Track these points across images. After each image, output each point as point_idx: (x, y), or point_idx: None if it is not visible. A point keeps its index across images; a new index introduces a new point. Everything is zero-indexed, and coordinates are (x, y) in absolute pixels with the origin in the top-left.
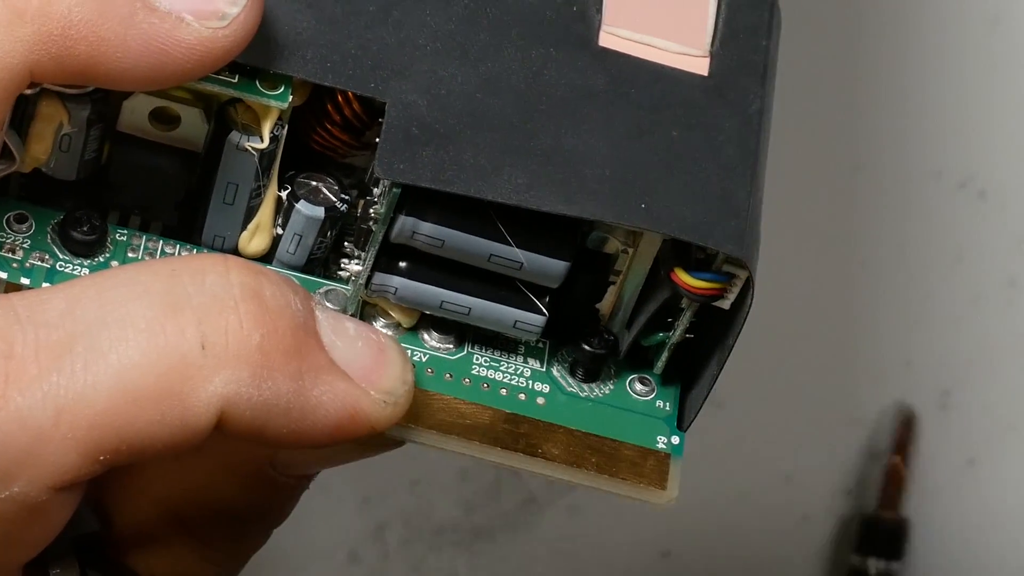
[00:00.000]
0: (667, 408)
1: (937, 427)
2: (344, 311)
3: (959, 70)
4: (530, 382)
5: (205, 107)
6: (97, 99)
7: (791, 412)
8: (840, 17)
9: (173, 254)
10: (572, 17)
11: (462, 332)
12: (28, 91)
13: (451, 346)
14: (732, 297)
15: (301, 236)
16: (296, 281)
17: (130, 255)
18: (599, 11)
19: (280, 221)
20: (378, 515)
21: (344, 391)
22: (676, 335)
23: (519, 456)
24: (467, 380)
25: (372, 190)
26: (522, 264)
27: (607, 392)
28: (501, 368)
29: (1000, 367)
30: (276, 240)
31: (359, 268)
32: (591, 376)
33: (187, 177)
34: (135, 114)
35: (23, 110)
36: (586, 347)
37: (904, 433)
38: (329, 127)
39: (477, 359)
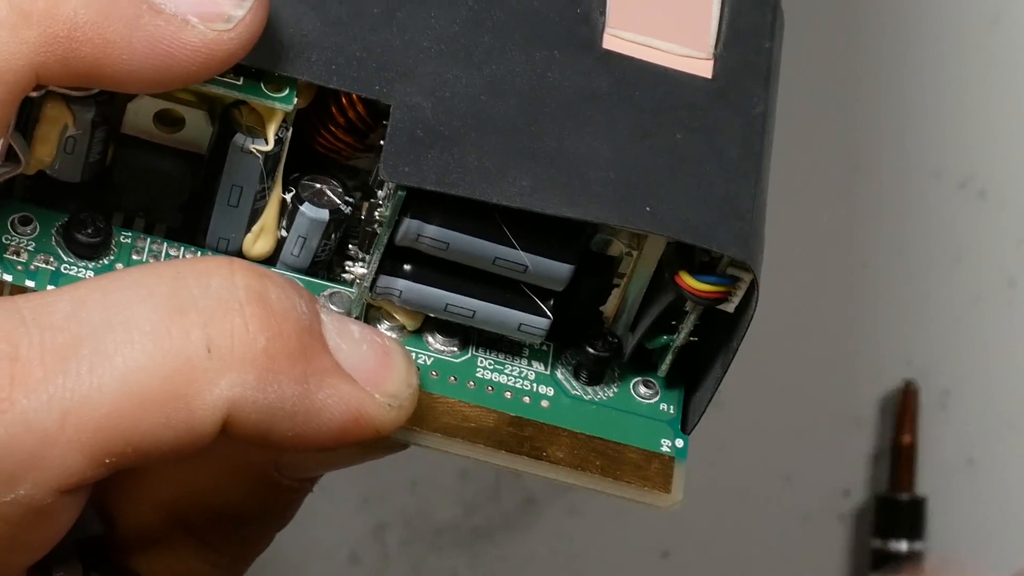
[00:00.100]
0: (671, 411)
1: (937, 427)
2: (349, 314)
3: (959, 70)
4: (534, 385)
5: (209, 109)
6: (102, 101)
7: (791, 412)
8: (840, 17)
9: (177, 256)
10: (576, 19)
11: (466, 335)
12: (33, 93)
13: (455, 349)
14: (736, 300)
15: (305, 238)
16: (300, 284)
17: (134, 257)
18: (603, 13)
19: (284, 223)
20: (378, 515)
21: (349, 394)
22: (680, 338)
23: (523, 459)
24: (471, 383)
25: (376, 192)
26: (527, 267)
27: (611, 395)
28: (505, 371)
29: (1000, 367)
30: (280, 242)
31: (363, 271)
32: (595, 379)
33: (191, 179)
34: (139, 116)
35: (28, 112)
36: (590, 350)
37: (907, 409)
38: (333, 129)
39: (481, 362)
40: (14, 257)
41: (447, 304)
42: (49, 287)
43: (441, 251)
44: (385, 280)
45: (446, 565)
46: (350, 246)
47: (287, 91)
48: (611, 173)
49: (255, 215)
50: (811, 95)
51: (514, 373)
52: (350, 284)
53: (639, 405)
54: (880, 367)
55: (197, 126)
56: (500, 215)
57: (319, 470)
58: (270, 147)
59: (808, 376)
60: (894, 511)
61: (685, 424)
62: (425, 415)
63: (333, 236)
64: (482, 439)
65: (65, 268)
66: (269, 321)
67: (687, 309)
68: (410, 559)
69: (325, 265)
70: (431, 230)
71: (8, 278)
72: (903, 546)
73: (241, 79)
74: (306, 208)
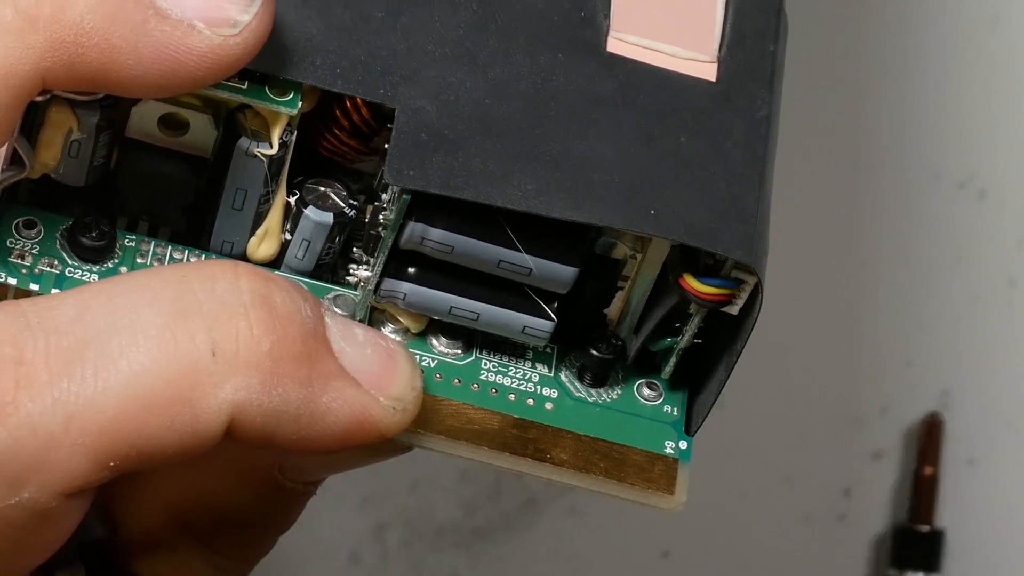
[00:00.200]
0: (675, 413)
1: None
2: (353, 317)
3: (959, 70)
4: (538, 387)
5: (214, 113)
6: (106, 105)
7: (791, 412)
8: (841, 19)
9: (182, 260)
10: (580, 23)
11: (471, 338)
12: (39, 98)
13: (459, 351)
14: (741, 303)
15: (310, 242)
16: (305, 287)
17: (139, 261)
18: (607, 16)
19: (289, 227)
20: (378, 515)
21: (353, 397)
22: (684, 340)
23: (527, 461)
24: (475, 385)
25: (381, 196)
26: (531, 270)
27: (615, 397)
28: (509, 373)
29: (1000, 367)
30: (285, 246)
31: (368, 274)
32: (599, 381)
33: (195, 183)
34: (144, 120)
35: (33, 116)
36: (594, 352)
37: (931, 441)
38: (338, 133)
39: (485, 364)
40: (19, 261)
41: (451, 307)
42: (54, 291)
43: (445, 254)
44: (389, 283)
45: (446, 565)
46: (354, 249)
47: (292, 95)
48: (615, 176)
49: (259, 219)
50: (812, 96)
51: (518, 375)
52: (354, 287)
53: (643, 407)
54: (880, 367)
55: (201, 130)
56: (504, 218)
57: (323, 473)
58: (274, 151)
59: (808, 376)
60: (912, 543)
61: (689, 426)
62: (429, 417)
63: (337, 239)
64: (486, 441)
65: (69, 272)
66: (273, 324)
67: (691, 312)
68: (410, 559)
69: (329, 268)
70: (435, 233)
71: (13, 282)
72: None
73: (246, 83)
74: (310, 211)
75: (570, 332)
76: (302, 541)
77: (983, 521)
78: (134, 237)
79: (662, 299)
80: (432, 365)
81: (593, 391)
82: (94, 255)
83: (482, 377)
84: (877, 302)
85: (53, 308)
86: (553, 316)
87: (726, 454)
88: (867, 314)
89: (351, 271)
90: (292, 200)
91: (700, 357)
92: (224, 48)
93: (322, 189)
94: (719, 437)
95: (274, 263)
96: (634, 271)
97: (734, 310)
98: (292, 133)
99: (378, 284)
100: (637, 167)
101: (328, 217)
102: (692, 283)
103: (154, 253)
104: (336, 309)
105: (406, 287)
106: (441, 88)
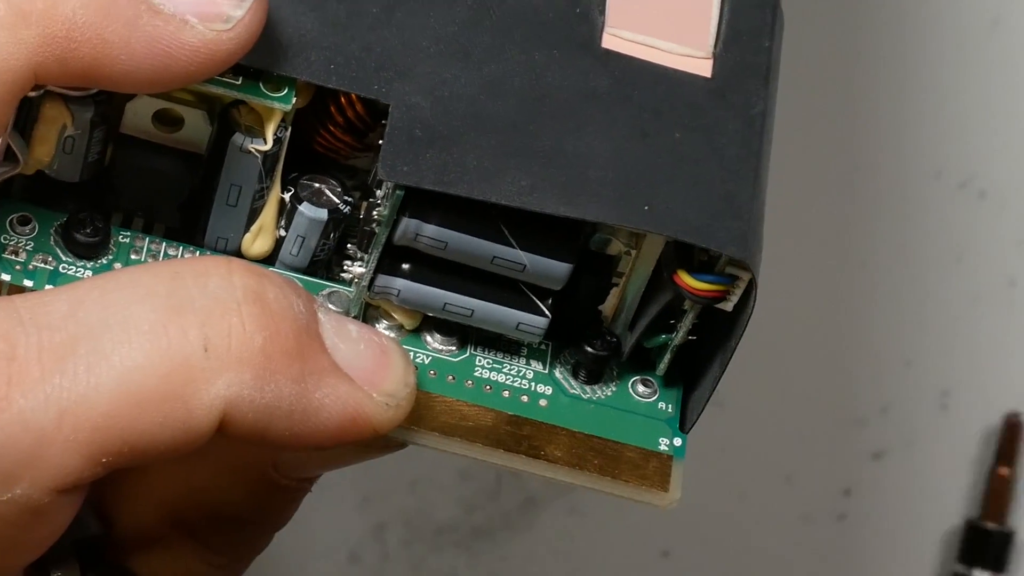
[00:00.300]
0: (669, 410)
1: (937, 427)
2: (347, 313)
3: (959, 70)
4: (533, 384)
5: (208, 109)
6: (100, 101)
7: (791, 412)
8: (841, 18)
9: (176, 256)
10: (575, 19)
11: (465, 334)
12: (32, 93)
13: (454, 348)
14: (735, 299)
15: (304, 238)
16: (299, 283)
17: (133, 257)
18: (602, 12)
19: (283, 223)
20: (378, 515)
21: (346, 393)
22: (678, 337)
23: (521, 458)
24: (470, 382)
25: (375, 192)
26: (525, 266)
27: (609, 394)
28: (504, 370)
29: (1000, 367)
30: (279, 242)
31: (362, 270)
32: (594, 378)
33: (190, 179)
34: (138, 116)
35: (27, 112)
36: (589, 349)
37: (1011, 441)
38: (332, 129)
39: (480, 361)
40: (13, 257)
41: (445, 303)
42: (47, 287)
43: (439, 250)
44: (383, 279)
45: (446, 565)
46: (349, 245)
47: (286, 91)
48: (610, 172)
49: (254, 215)
50: (812, 95)
51: (512, 372)
52: (349, 283)
53: (637, 404)
54: (880, 367)
55: (196, 126)
56: (498, 214)
57: (317, 470)
58: (269, 147)
59: (808, 376)
60: (981, 540)
61: (683, 423)
62: (423, 414)
63: (332, 235)
64: (480, 438)
65: (63, 268)
66: (266, 320)
67: (686, 308)
68: (410, 559)
69: (324, 264)
70: (429, 229)
71: (6, 277)
72: None
73: (240, 79)
74: (305, 208)
75: (565, 329)
76: (302, 540)
77: None
78: (128, 233)
79: (657, 295)
80: (426, 361)
81: (588, 388)
82: (88, 251)
83: (476, 374)
84: (877, 302)
85: (46, 304)
86: (547, 312)
87: (726, 453)
88: (867, 314)
89: (346, 267)
90: (287, 196)
91: (695, 354)
92: (217, 43)
93: (317, 185)
94: (719, 437)
95: (269, 259)
96: (629, 267)
97: (728, 307)
98: (286, 129)
99: (372, 280)
100: (632, 163)
101: (323, 213)
102: (686, 279)
103: (148, 249)
104: (330, 305)
105: (400, 283)
106: (435, 84)
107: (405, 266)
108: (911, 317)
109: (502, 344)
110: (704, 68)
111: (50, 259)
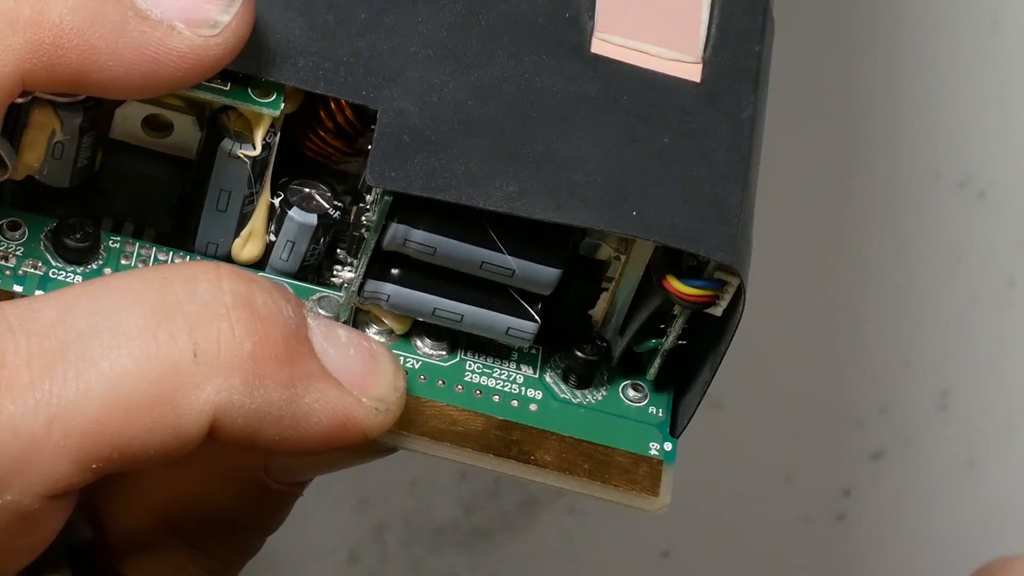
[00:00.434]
0: (660, 414)
1: (937, 427)
2: (337, 318)
3: (959, 70)
4: (523, 389)
5: (198, 114)
6: (89, 107)
7: (791, 412)
8: (841, 17)
9: (166, 261)
10: (564, 24)
11: (455, 339)
12: (20, 100)
13: (444, 353)
14: (724, 304)
15: (294, 243)
16: (289, 288)
17: (123, 262)
18: (591, 18)
19: (273, 228)
20: (378, 515)
21: (336, 398)
22: (669, 342)
23: (511, 463)
24: (460, 387)
25: (365, 197)
26: (514, 271)
27: (600, 398)
28: (494, 375)
29: (999, 367)
30: (269, 247)
31: (351, 275)
32: (584, 383)
33: (180, 184)
34: (128, 121)
35: (15, 118)
36: (579, 354)
37: None
38: (322, 134)
39: (470, 366)
40: (2, 262)
41: (435, 308)
42: (37, 292)
43: (428, 255)
44: (373, 284)
45: (446, 565)
46: (339, 250)
47: (274, 96)
48: (598, 177)
49: (243, 220)
50: (811, 95)
51: (502, 377)
52: (339, 288)
53: (628, 408)
54: (879, 367)
55: (185, 131)
56: (487, 219)
57: (308, 474)
58: (258, 152)
59: (808, 376)
60: None
61: (674, 427)
62: (413, 419)
63: (322, 240)
64: (470, 443)
65: (53, 273)
66: (255, 326)
67: (675, 313)
68: (410, 559)
69: (314, 269)
70: (418, 235)
71: None
72: None
73: (228, 84)
74: (294, 213)
75: (555, 333)
76: (302, 541)
77: (984, 521)
78: (118, 238)
79: (647, 300)
80: (416, 366)
81: (578, 392)
82: (78, 256)
83: (466, 378)
84: (876, 302)
85: (35, 311)
86: (537, 317)
87: (725, 454)
88: (866, 314)
89: (336, 272)
90: (276, 201)
91: (685, 358)
92: (204, 48)
93: (306, 190)
94: (719, 437)
95: (259, 264)
96: (618, 272)
97: (718, 311)
98: (275, 134)
99: (361, 285)
100: (621, 168)
101: (312, 218)
102: (675, 284)
103: (138, 255)
104: (320, 310)
105: (389, 288)
106: (424, 89)
107: (394, 271)
108: (910, 317)
109: (492, 349)
110: (694, 73)
111: (40, 264)
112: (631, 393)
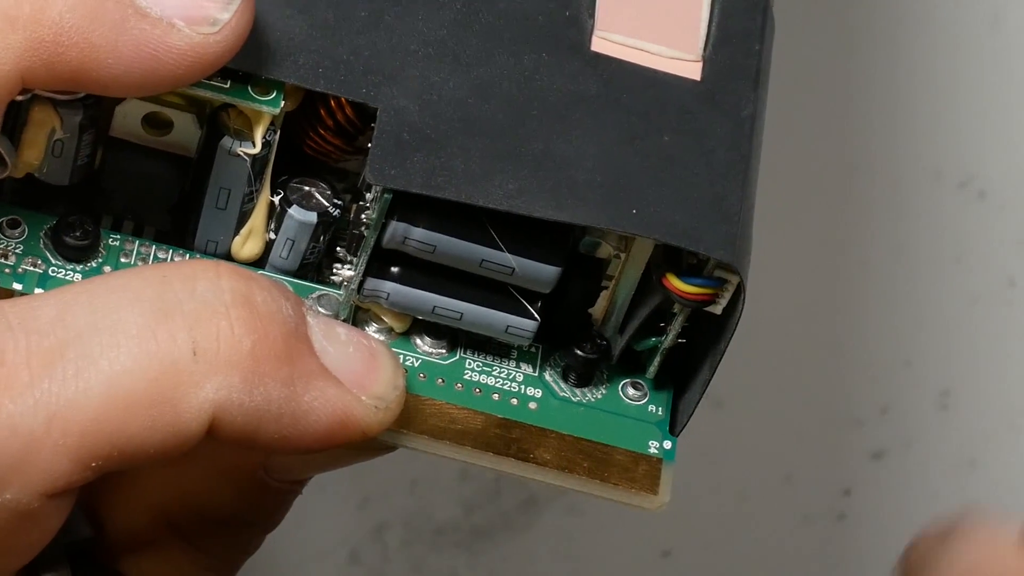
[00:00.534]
0: (659, 413)
1: (937, 427)
2: (336, 316)
3: (959, 70)
4: (522, 387)
5: (198, 112)
6: (89, 104)
7: (791, 412)
8: (841, 17)
9: (166, 259)
10: (564, 22)
11: (454, 337)
12: (20, 97)
13: (443, 351)
14: (724, 302)
15: (294, 241)
16: (288, 286)
17: (123, 260)
18: (591, 16)
19: (273, 226)
20: (378, 515)
21: (335, 396)
22: (668, 340)
23: (510, 461)
24: (459, 385)
25: (365, 195)
26: (513, 269)
27: (599, 397)
28: (493, 373)
29: (1000, 367)
30: (269, 245)
31: (351, 273)
32: (584, 381)
33: (180, 182)
34: (128, 119)
35: (15, 116)
36: (578, 352)
37: None
38: (322, 132)
39: (469, 364)
40: (2, 260)
41: (434, 306)
42: (37, 290)
43: (428, 254)
44: (372, 283)
45: (446, 565)
46: (338, 248)
47: (274, 94)
48: (598, 176)
49: (243, 218)
50: (811, 95)
51: (502, 375)
52: (338, 286)
53: (627, 407)
54: (879, 367)
55: (185, 129)
56: (487, 218)
57: (308, 472)
58: (257, 150)
59: (808, 376)
60: None
61: (673, 426)
62: (412, 417)
63: (322, 238)
64: (469, 441)
65: (53, 271)
66: (255, 324)
67: (675, 311)
68: (410, 559)
69: (314, 267)
70: (418, 233)
71: None
72: None
73: (228, 82)
74: (294, 211)
75: (555, 332)
76: (302, 541)
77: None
78: (118, 236)
79: (646, 298)
80: (416, 365)
81: (578, 391)
82: (78, 254)
83: (466, 377)
84: (876, 302)
85: (34, 309)
86: (536, 316)
87: (726, 454)
88: (867, 314)
89: (335, 270)
90: (276, 199)
91: (685, 357)
92: (204, 46)
93: (306, 188)
94: (719, 437)
95: (259, 263)
96: (618, 270)
97: (717, 310)
98: (275, 132)
99: (361, 283)
100: (620, 167)
101: (312, 216)
102: (675, 282)
103: (138, 253)
104: (320, 308)
105: (389, 286)
106: (424, 88)
107: (394, 269)
108: (910, 317)
109: (492, 347)
110: (694, 71)
111: (40, 262)
112: (631, 391)
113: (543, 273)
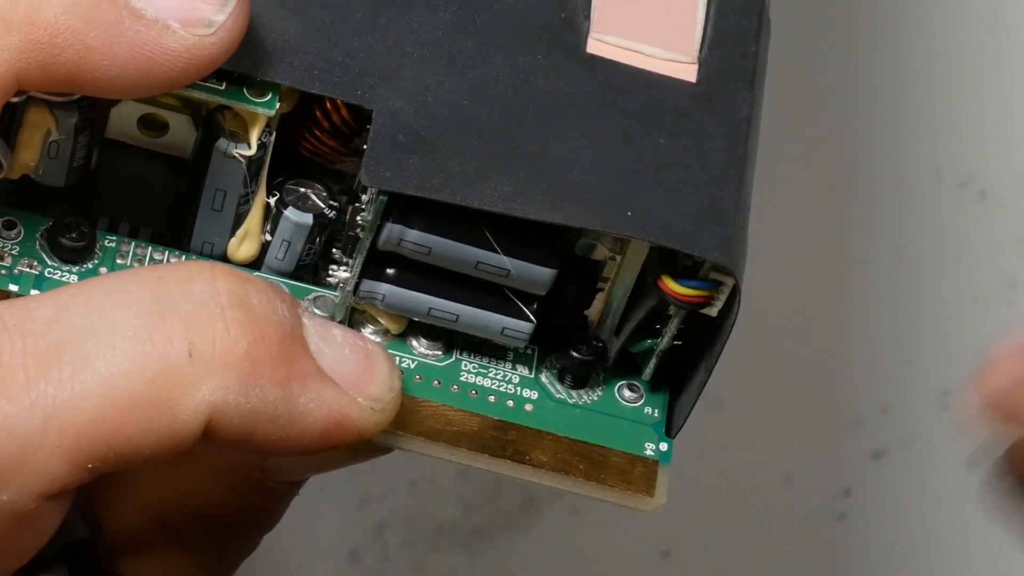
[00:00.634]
0: (655, 415)
1: (937, 427)
2: (332, 318)
3: (959, 70)
4: (518, 389)
5: (193, 114)
6: (85, 106)
7: (791, 412)
8: (841, 17)
9: (162, 260)
10: (560, 24)
11: (450, 339)
12: (15, 99)
13: (439, 353)
14: (719, 304)
15: (290, 243)
16: (284, 288)
17: (119, 262)
18: (587, 18)
19: (269, 228)
20: (378, 515)
21: (331, 398)
22: (664, 342)
23: (507, 463)
24: (455, 387)
25: (360, 197)
26: (509, 271)
27: (595, 399)
28: (489, 375)
29: None
30: (265, 247)
31: (347, 275)
32: (579, 383)
33: (176, 183)
34: (123, 121)
35: (11, 117)
36: (574, 354)
37: None
38: (318, 133)
39: (465, 366)
40: None
41: (430, 308)
42: (33, 291)
43: (423, 255)
44: (368, 284)
45: (446, 565)
46: (334, 250)
47: (270, 96)
48: (594, 178)
49: (239, 219)
50: (811, 95)
51: (498, 377)
52: (334, 288)
53: (623, 409)
54: (879, 367)
55: (181, 131)
56: (482, 220)
57: (304, 473)
58: (253, 152)
59: (808, 376)
60: None
61: (670, 428)
62: (408, 419)
63: (318, 240)
64: (465, 443)
65: (49, 272)
66: (251, 325)
67: (671, 313)
68: (410, 559)
69: (310, 269)
70: (413, 235)
71: None
72: None
73: (224, 84)
74: (290, 212)
75: (551, 333)
76: (302, 541)
77: (981, 522)
78: (114, 238)
79: (642, 300)
80: (412, 366)
81: (574, 392)
82: (74, 256)
83: (462, 378)
84: (876, 302)
85: (30, 310)
86: (532, 317)
87: (726, 454)
88: (866, 314)
89: (331, 272)
90: (272, 201)
91: (681, 359)
92: (199, 48)
93: (302, 190)
94: (719, 437)
95: (255, 264)
96: (614, 272)
97: (713, 312)
98: (271, 134)
99: (357, 285)
100: (616, 169)
101: (308, 218)
102: (670, 285)
103: (134, 254)
104: (316, 310)
105: (385, 288)
106: (419, 89)
107: (390, 271)
108: (911, 317)
109: (488, 349)
110: (689, 73)
111: (36, 264)
112: (627, 393)
113: (539, 275)
